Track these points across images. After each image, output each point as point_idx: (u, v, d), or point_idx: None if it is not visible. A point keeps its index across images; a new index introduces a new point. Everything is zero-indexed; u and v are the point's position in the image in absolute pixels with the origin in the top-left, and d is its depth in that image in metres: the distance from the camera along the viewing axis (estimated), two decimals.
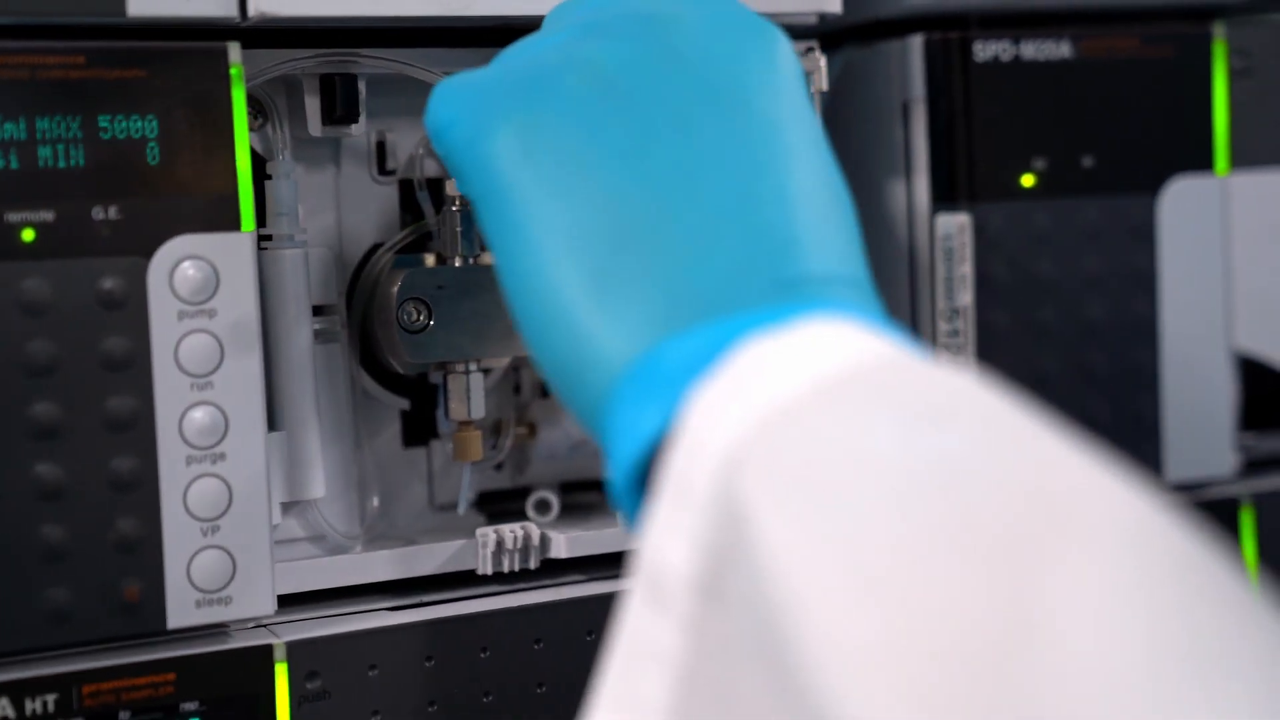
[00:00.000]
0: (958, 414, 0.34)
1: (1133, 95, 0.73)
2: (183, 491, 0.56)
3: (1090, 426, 0.72)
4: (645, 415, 0.38)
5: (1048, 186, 0.71)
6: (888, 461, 0.32)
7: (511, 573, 0.64)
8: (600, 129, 0.42)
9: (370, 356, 0.65)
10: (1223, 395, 0.75)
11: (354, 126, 0.62)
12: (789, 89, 0.44)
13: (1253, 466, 0.77)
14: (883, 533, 0.31)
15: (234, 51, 0.57)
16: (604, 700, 0.37)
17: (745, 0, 0.63)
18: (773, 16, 0.65)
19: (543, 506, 0.67)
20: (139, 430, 0.55)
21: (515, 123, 0.43)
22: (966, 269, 0.70)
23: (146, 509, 0.55)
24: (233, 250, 0.56)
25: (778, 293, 0.39)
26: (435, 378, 0.65)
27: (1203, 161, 0.74)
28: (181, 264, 0.56)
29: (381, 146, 0.65)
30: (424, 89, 0.61)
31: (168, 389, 0.56)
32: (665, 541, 0.35)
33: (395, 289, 0.61)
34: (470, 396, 0.63)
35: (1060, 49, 0.72)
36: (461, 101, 0.46)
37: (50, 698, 0.54)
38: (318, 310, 0.62)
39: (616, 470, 0.39)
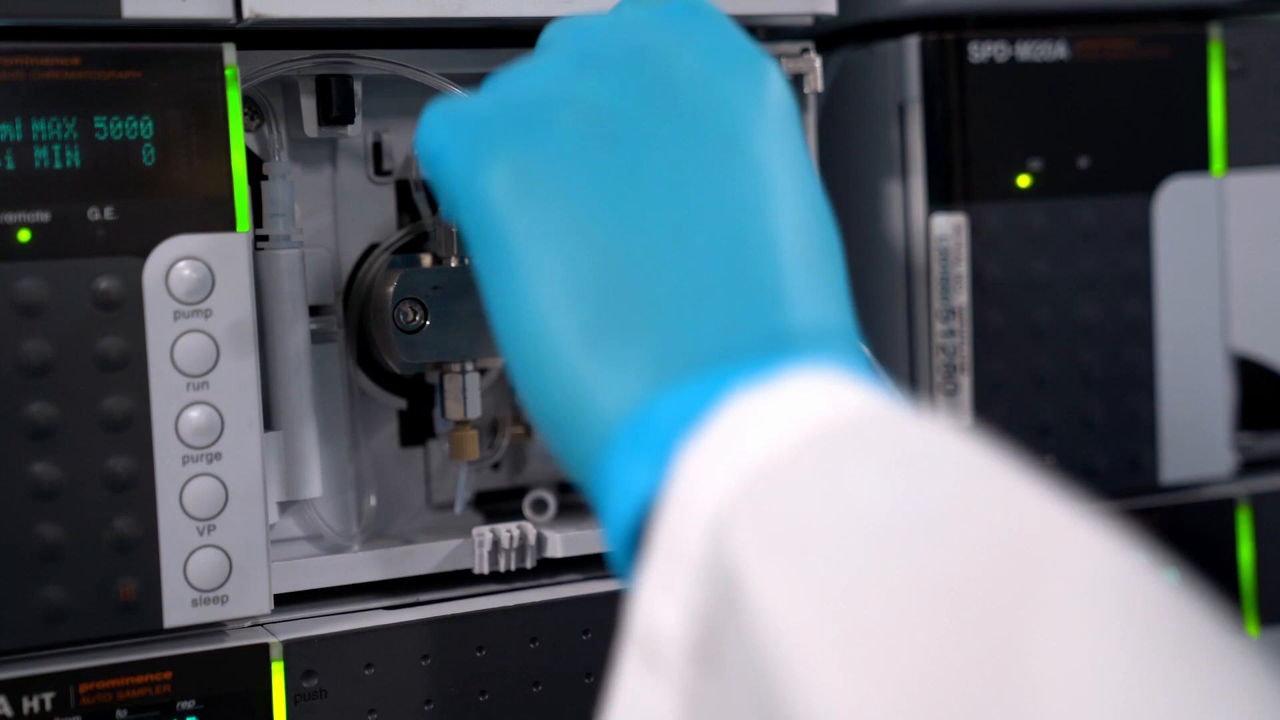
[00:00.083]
0: (939, 466, 0.34)
1: (1128, 96, 0.73)
2: (179, 491, 0.56)
3: (1086, 427, 0.72)
4: (637, 475, 0.38)
5: (1043, 187, 0.72)
6: (870, 517, 0.33)
7: (508, 572, 0.64)
8: (595, 172, 0.42)
9: (367, 356, 0.65)
10: (1219, 395, 0.75)
11: (350, 127, 0.62)
12: (780, 126, 0.44)
13: (1249, 467, 0.77)
14: (869, 589, 0.32)
15: (229, 53, 0.57)
16: None
17: None
18: (768, 18, 0.66)
19: (539, 506, 0.67)
20: (135, 430, 0.55)
21: (511, 159, 0.43)
22: (962, 269, 0.70)
23: (143, 508, 0.56)
24: (228, 251, 0.57)
25: (766, 345, 0.39)
26: (432, 378, 0.65)
27: (1199, 162, 0.74)
28: (177, 264, 0.56)
29: (378, 147, 0.65)
30: (420, 90, 0.62)
31: (164, 389, 0.56)
32: (658, 604, 0.36)
33: (391, 289, 0.61)
34: (466, 396, 0.63)
35: (1056, 50, 0.72)
36: (455, 129, 0.45)
37: (47, 696, 0.55)
38: (314, 310, 0.62)
39: (612, 532, 0.39)
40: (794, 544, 0.33)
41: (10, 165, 0.54)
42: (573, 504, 0.69)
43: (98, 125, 0.55)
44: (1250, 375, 0.76)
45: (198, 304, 0.56)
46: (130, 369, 0.55)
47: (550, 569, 0.65)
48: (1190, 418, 0.74)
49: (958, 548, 0.32)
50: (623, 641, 0.37)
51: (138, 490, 0.56)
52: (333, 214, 0.64)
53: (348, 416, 0.64)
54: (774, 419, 0.36)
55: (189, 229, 0.56)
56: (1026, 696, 0.29)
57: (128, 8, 0.55)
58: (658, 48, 0.44)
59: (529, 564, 0.64)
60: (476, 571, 0.63)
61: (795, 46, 0.67)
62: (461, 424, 0.64)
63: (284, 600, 0.61)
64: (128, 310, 0.55)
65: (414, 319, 0.61)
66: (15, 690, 0.54)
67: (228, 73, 0.57)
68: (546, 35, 0.49)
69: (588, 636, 0.62)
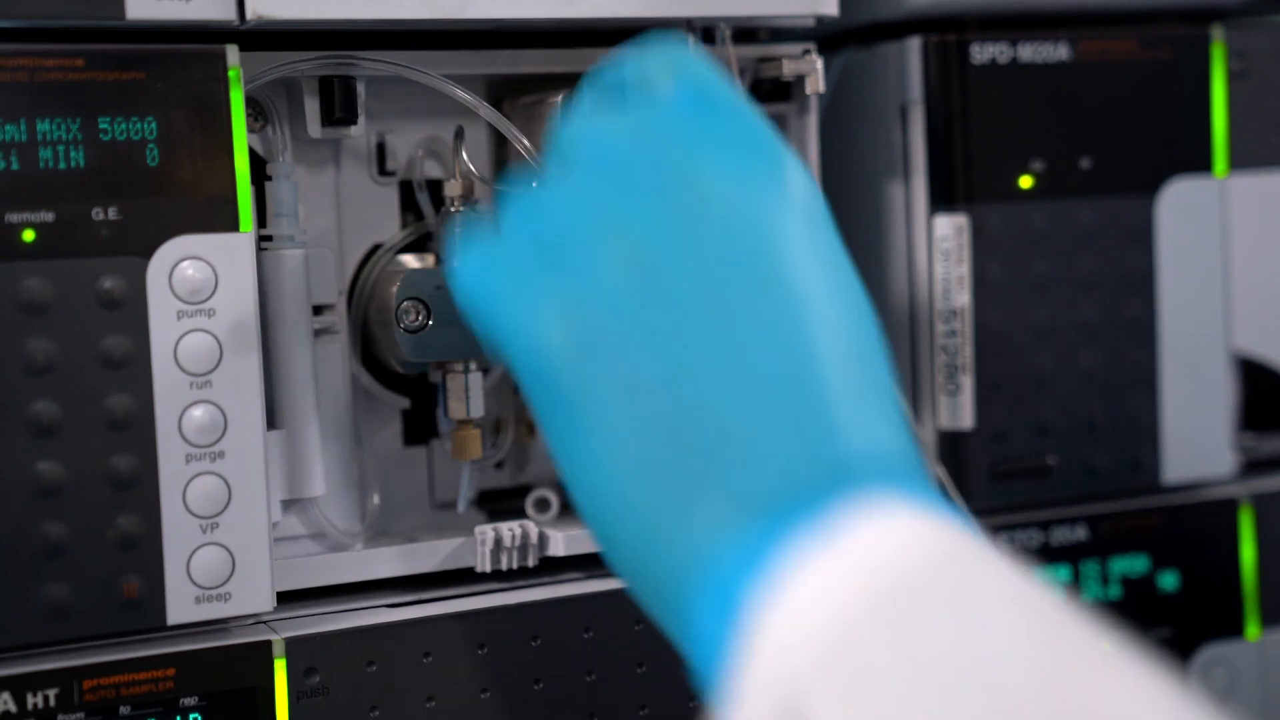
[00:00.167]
0: (1007, 624, 0.35)
1: (1131, 97, 0.73)
2: (182, 489, 0.56)
3: (1088, 428, 0.72)
4: (712, 631, 0.38)
5: (1045, 188, 0.72)
6: (942, 684, 0.34)
7: (510, 570, 0.64)
8: (643, 321, 0.42)
9: (370, 356, 0.65)
10: (1221, 396, 0.75)
11: (353, 128, 0.62)
12: (809, 223, 0.44)
13: (1252, 467, 0.77)
14: None
15: (232, 54, 0.57)
16: None
17: (746, 2, 0.64)
18: (770, 19, 0.66)
19: (542, 505, 0.68)
20: (138, 428, 0.56)
21: (559, 311, 0.43)
22: (964, 270, 0.70)
23: (146, 506, 0.56)
24: (231, 251, 0.57)
25: (827, 478, 0.39)
26: (435, 377, 0.65)
27: (1201, 163, 0.74)
28: (180, 264, 0.56)
29: (381, 148, 0.65)
30: (423, 91, 0.62)
31: (167, 388, 0.56)
32: None
33: (395, 289, 0.61)
34: (469, 396, 0.63)
35: (1058, 51, 0.72)
36: (494, 277, 0.45)
37: (51, 692, 0.55)
38: (318, 310, 0.63)
39: (697, 679, 0.40)
40: (866, 707, 0.34)
41: (15, 166, 0.54)
42: None
43: (102, 126, 0.55)
44: (1252, 376, 0.77)
45: (201, 304, 0.57)
46: (134, 368, 0.56)
47: (552, 567, 0.65)
48: (1192, 418, 0.74)
49: (1025, 710, 0.33)
50: None
51: (141, 488, 0.56)
52: (336, 214, 0.65)
53: (351, 416, 0.65)
54: (841, 574, 0.36)
55: (192, 229, 0.57)
56: None
57: (131, 9, 0.55)
58: (680, 161, 0.44)
59: (531, 562, 0.64)
60: (479, 570, 0.64)
61: (797, 48, 0.67)
62: (464, 423, 0.64)
63: (287, 598, 0.61)
64: (131, 310, 0.56)
65: (417, 319, 0.61)
66: (19, 686, 0.55)
67: (231, 74, 0.57)
68: (560, 145, 0.47)
69: (589, 635, 0.62)
